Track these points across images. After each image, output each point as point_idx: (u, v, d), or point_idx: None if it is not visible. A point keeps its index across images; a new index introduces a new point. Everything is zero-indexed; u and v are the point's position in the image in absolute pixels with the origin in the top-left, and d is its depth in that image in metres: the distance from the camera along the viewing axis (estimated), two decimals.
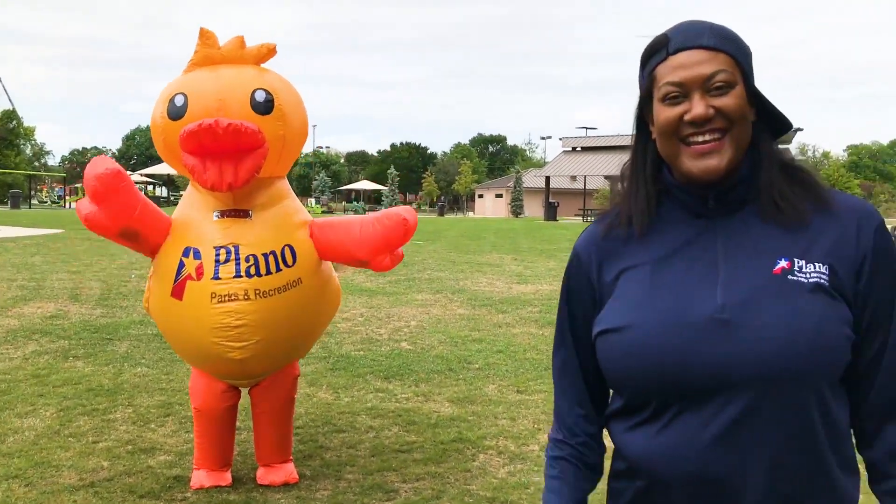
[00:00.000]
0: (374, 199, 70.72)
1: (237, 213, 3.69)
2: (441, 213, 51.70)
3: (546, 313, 9.35)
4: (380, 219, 3.73)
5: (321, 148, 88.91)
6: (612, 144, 46.14)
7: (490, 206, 65.62)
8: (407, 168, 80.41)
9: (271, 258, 3.63)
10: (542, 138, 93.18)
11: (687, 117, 1.23)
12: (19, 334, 7.65)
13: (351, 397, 5.76)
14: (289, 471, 4.12)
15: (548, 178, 46.28)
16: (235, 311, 3.54)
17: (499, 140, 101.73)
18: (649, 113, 1.33)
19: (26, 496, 3.88)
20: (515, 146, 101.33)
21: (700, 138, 1.24)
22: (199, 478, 4.03)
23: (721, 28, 1.27)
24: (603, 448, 1.46)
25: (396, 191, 56.06)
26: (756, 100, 1.29)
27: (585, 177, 47.97)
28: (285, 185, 4.00)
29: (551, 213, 41.17)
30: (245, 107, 3.50)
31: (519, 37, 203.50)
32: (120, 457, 4.45)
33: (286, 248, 3.70)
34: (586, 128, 54.59)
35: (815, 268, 1.23)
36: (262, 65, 3.79)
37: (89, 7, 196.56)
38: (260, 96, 3.55)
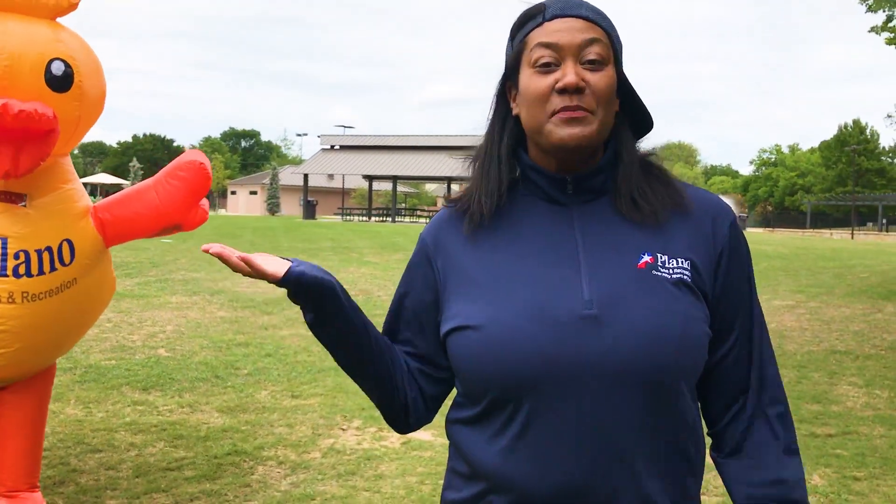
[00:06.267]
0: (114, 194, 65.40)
1: (9, 196, 3.08)
2: None
3: None
4: (173, 173, 3.31)
5: None
6: (371, 144, 46.72)
7: (244, 203, 63.52)
8: (151, 161, 75.27)
9: (45, 255, 3.08)
10: (299, 135, 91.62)
11: (559, 85, 1.17)
12: None
13: (105, 412, 5.18)
14: (37, 501, 3.57)
15: (306, 176, 45.70)
16: None
17: (252, 135, 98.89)
18: (513, 86, 1.26)
19: None
20: (270, 142, 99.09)
21: (569, 114, 1.19)
22: None
23: (598, 8, 1.24)
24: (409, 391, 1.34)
25: None
26: (621, 92, 1.25)
27: (344, 175, 48.06)
28: (68, 164, 3.40)
29: (310, 211, 40.81)
30: (38, 80, 2.92)
31: (272, 33, 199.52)
32: None
33: (64, 242, 3.16)
34: (344, 126, 54.78)
35: (677, 263, 1.20)
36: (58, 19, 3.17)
37: None
38: (57, 69, 2.97)
